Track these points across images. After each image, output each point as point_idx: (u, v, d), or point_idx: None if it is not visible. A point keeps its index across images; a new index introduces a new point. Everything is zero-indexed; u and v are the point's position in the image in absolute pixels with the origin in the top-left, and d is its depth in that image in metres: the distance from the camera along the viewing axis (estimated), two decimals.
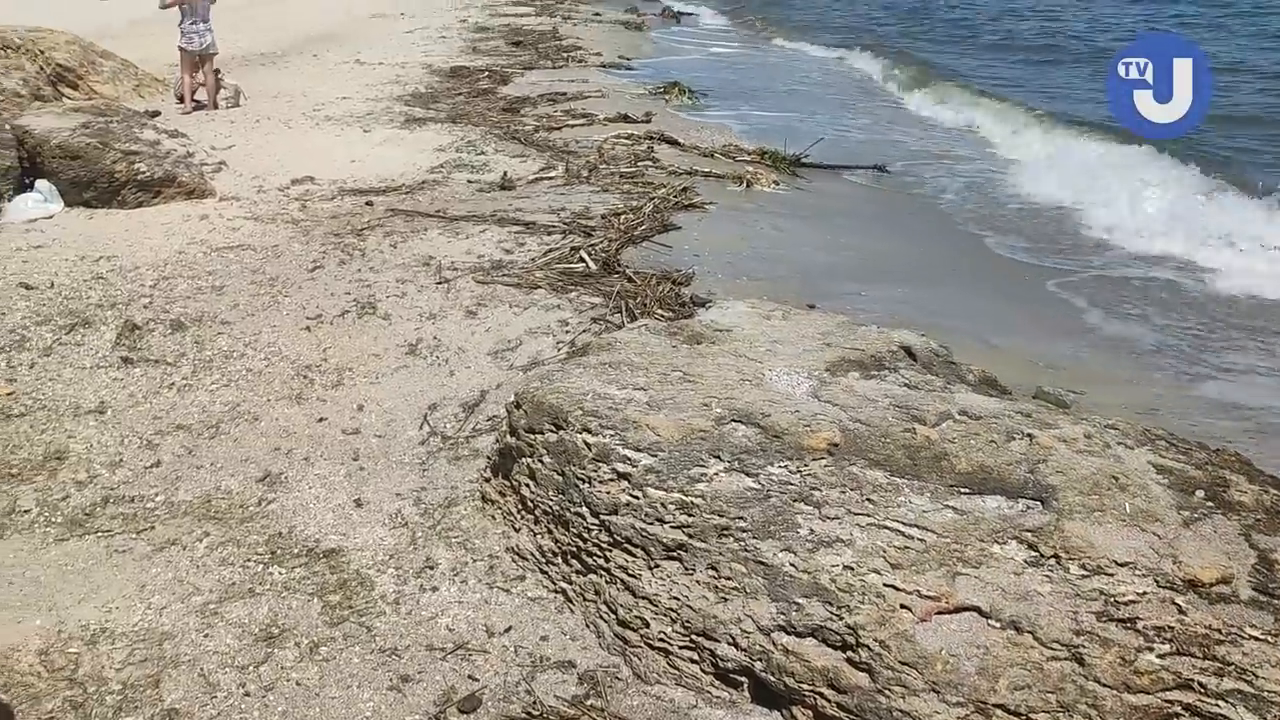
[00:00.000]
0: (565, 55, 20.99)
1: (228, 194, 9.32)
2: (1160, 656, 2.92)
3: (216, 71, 13.84)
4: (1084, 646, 2.95)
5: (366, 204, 9.02)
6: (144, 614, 3.78)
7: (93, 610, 3.79)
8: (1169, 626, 2.96)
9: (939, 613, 3.09)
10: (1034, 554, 3.17)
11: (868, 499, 3.40)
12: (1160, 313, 8.13)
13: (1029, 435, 3.64)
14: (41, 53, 13.48)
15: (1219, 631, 2.94)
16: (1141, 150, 12.30)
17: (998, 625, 3.03)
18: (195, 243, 7.89)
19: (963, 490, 3.42)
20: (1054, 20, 30.78)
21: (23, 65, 12.88)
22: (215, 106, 13.65)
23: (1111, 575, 3.08)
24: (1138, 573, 3.07)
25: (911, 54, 23.84)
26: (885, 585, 3.17)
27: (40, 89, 12.34)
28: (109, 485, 4.67)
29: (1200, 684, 2.87)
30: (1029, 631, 2.99)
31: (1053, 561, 3.14)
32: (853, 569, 3.23)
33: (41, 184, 8.65)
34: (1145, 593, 3.03)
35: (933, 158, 14.05)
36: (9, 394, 5.41)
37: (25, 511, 4.43)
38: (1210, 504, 3.35)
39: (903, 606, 3.12)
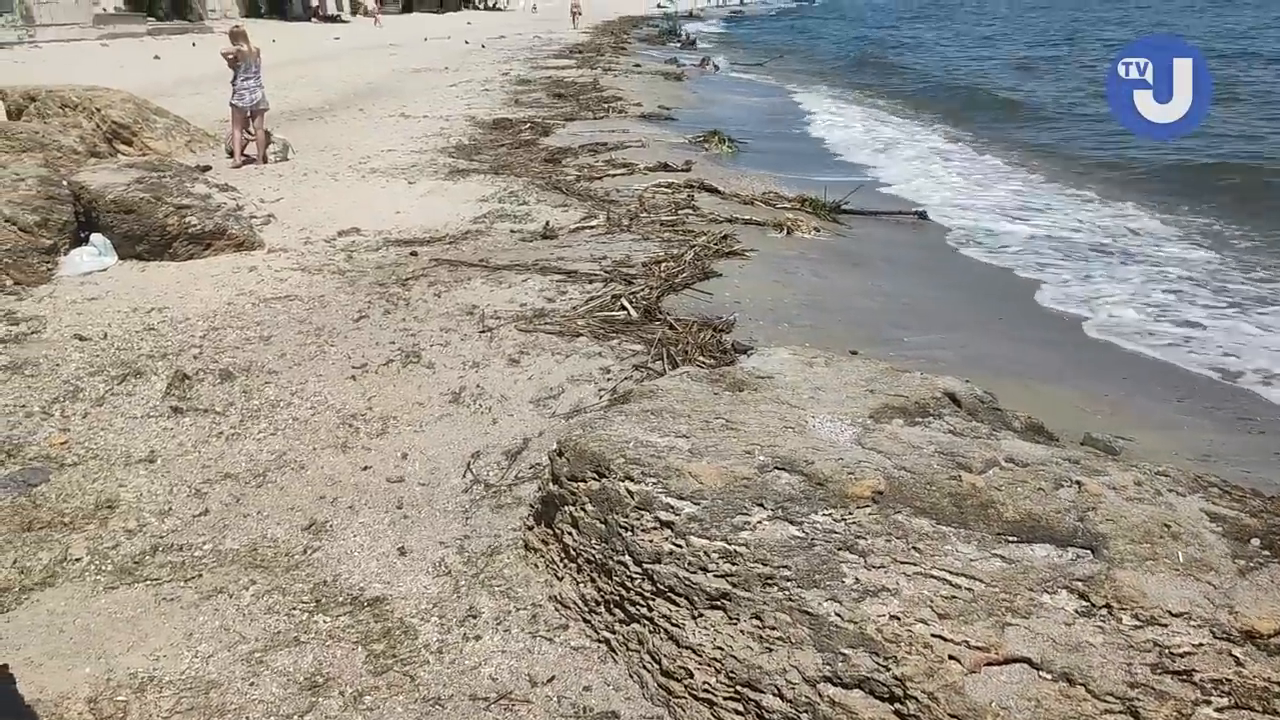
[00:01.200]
0: (606, 106, 21.24)
1: (276, 246, 9.50)
2: (1218, 710, 2.84)
3: (266, 132, 14.17)
4: (1139, 699, 2.88)
5: (411, 254, 9.15)
6: (191, 662, 3.81)
7: (141, 658, 3.82)
8: (1226, 679, 2.88)
9: (988, 664, 3.03)
10: (1085, 604, 3.11)
11: (914, 547, 3.36)
12: (1215, 357, 8.01)
13: (1077, 482, 3.59)
14: (98, 110, 13.93)
15: (1279, 684, 2.86)
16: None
17: (1049, 677, 2.96)
18: (244, 294, 8.03)
19: (1010, 539, 3.37)
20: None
21: (80, 123, 13.32)
22: (264, 161, 13.95)
23: (1166, 626, 3.01)
24: (1193, 623, 3.00)
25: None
26: (933, 635, 3.12)
27: (96, 145, 12.71)
28: (158, 534, 4.72)
29: None
30: (1082, 684, 2.93)
31: (1104, 611, 3.08)
32: (899, 619, 3.19)
33: (96, 238, 8.88)
34: (1201, 644, 2.96)
35: (969, 201, 14.08)
36: (63, 443, 5.51)
37: (77, 560, 4.49)
38: (1266, 553, 3.27)
39: (951, 657, 3.06)
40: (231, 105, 13.73)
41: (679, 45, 50.13)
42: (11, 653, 3.85)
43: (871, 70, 36.66)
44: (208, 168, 12.51)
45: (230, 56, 13.64)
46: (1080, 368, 7.59)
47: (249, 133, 13.98)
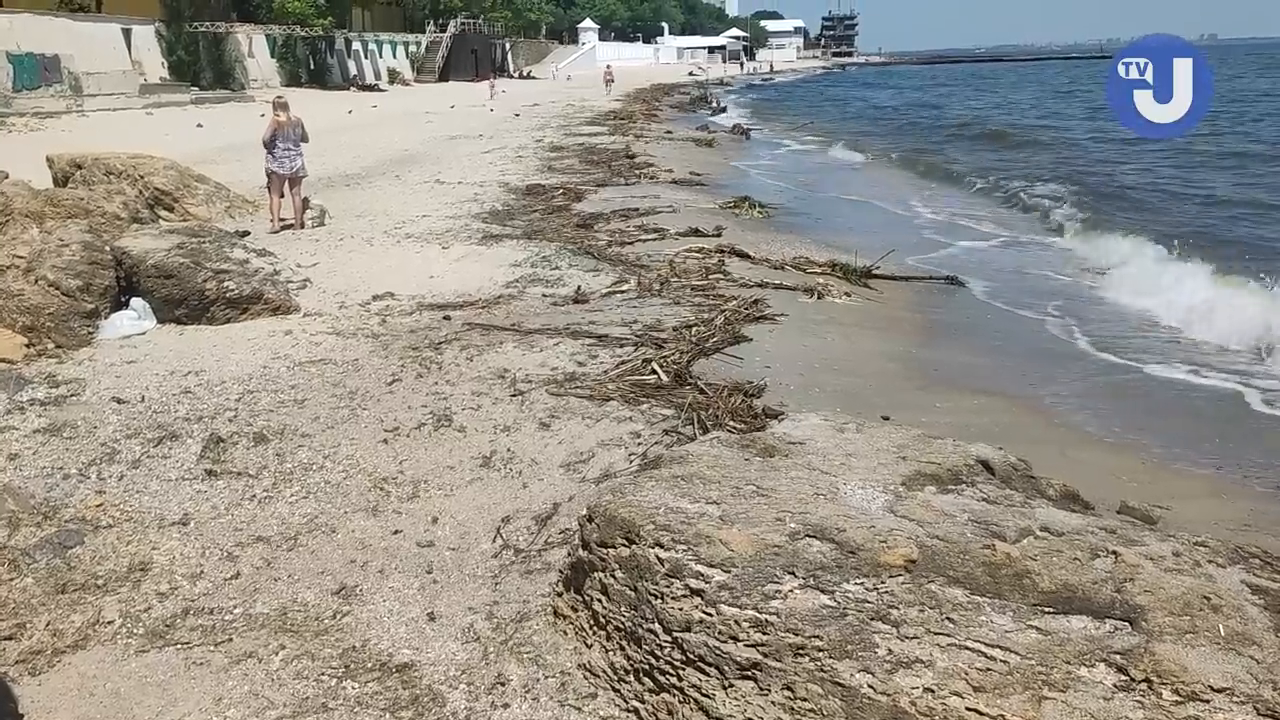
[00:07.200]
0: (638, 172, 21.45)
1: (311, 310, 9.62)
2: None
3: (305, 198, 14.43)
4: None
5: (444, 318, 9.24)
6: None
7: None
8: None
9: None
10: (1124, 678, 3.05)
11: (947, 618, 3.32)
12: (1257, 425, 7.88)
13: (1114, 552, 3.54)
14: (141, 178, 14.28)
15: None
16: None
17: None
18: (279, 357, 8.12)
19: (1046, 610, 3.32)
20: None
21: (124, 189, 13.62)
22: (302, 226, 14.18)
23: (1207, 701, 2.94)
24: (1235, 699, 2.93)
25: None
26: (968, 709, 3.06)
27: (139, 212, 12.97)
28: (189, 597, 4.74)
29: None
30: None
31: (1144, 686, 3.01)
32: (933, 691, 3.13)
33: (136, 302, 9.04)
34: None
35: (1004, 266, 14.06)
36: (98, 506, 5.56)
37: (109, 623, 4.50)
38: None
39: None
40: (270, 171, 14.01)
41: (710, 112, 50.84)
42: (43, 716, 3.86)
43: (900, 132, 36.95)
44: (246, 233, 12.72)
45: (267, 137, 13.95)
46: (1117, 434, 7.49)
47: (287, 199, 14.23)
